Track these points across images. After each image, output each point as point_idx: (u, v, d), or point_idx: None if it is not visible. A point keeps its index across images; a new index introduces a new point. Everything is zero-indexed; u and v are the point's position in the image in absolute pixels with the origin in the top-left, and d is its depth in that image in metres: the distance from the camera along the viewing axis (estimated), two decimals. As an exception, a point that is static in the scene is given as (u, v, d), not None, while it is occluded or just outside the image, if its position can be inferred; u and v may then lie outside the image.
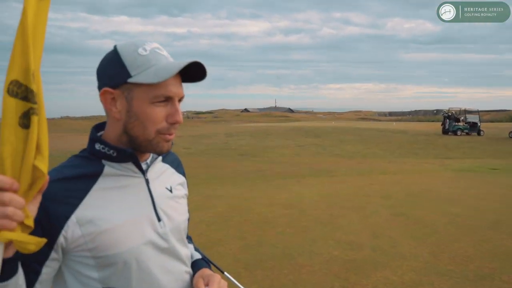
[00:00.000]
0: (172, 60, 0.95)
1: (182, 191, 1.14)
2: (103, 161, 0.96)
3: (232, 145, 21.17)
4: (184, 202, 1.14)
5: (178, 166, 1.18)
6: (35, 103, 0.69)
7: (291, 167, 12.40)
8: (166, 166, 1.13)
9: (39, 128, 0.70)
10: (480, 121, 29.79)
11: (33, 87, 0.69)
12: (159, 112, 0.93)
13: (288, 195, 7.59)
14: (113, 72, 0.93)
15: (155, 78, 0.89)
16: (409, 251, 4.55)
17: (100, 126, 1.04)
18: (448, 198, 7.24)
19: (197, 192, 7.63)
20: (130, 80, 0.91)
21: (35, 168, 0.70)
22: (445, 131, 29.43)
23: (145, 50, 0.93)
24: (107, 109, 0.95)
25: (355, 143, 22.07)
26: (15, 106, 0.68)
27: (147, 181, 1.01)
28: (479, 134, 28.49)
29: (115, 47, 0.95)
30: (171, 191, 1.08)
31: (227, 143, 22.27)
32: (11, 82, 0.68)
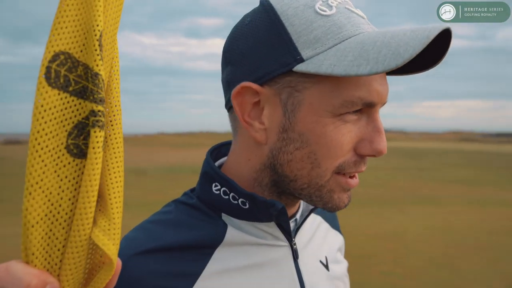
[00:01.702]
0: (376, 29, 0.51)
1: (342, 264, 0.70)
2: (224, 217, 0.56)
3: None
4: (346, 286, 0.69)
5: (333, 217, 0.73)
6: (101, 102, 0.34)
7: (389, 192, 11.35)
8: (318, 219, 0.69)
9: (108, 159, 0.36)
10: None
11: (100, 68, 0.34)
12: (348, 134, 0.50)
13: (389, 225, 6.76)
14: (261, 50, 0.50)
15: (366, 64, 0.44)
16: None
17: (222, 150, 0.63)
18: None
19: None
20: (299, 67, 0.48)
21: (94, 246, 0.35)
22: None
23: (329, 6, 0.49)
24: (241, 122, 0.53)
25: (460, 167, 19.73)
26: (60, 109, 0.33)
27: (294, 253, 0.58)
28: None
29: (265, 2, 0.52)
30: (327, 266, 0.64)
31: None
32: (55, 57, 0.32)
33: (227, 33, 0.57)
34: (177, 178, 11.45)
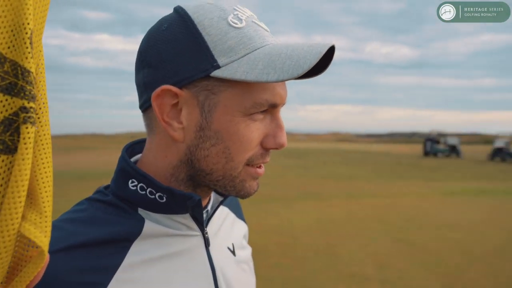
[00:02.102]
0: (278, 41, 0.59)
1: (246, 250, 0.77)
2: (140, 211, 0.59)
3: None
4: (251, 269, 0.76)
5: (238, 208, 0.81)
6: (33, 98, 0.35)
7: (277, 189, 12.02)
8: (226, 210, 0.75)
9: (38, 155, 0.37)
10: (460, 144, 30.73)
11: (31, 65, 0.35)
12: (256, 131, 0.57)
13: (278, 220, 7.17)
14: (181, 57, 0.55)
15: (274, 73, 0.52)
16: (420, 284, 4.19)
17: (135, 148, 0.66)
18: (445, 222, 7.01)
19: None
20: (216, 73, 0.53)
21: (24, 240, 0.36)
22: (426, 153, 30.02)
23: (240, 19, 0.56)
24: (160, 122, 0.57)
25: (339, 165, 21.98)
26: None
27: (206, 242, 0.64)
28: (458, 156, 29.16)
29: (180, 11, 0.57)
30: (234, 252, 0.70)
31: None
32: None
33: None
34: (56, 185, 10.26)
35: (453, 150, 29.84)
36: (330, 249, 5.36)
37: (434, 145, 30.37)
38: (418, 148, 34.52)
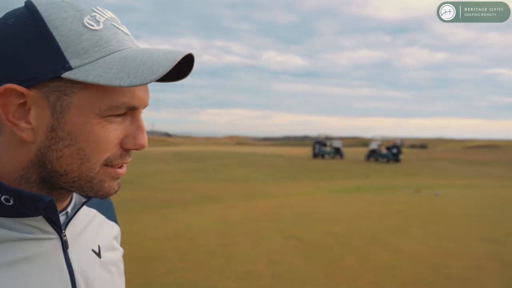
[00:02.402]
0: (141, 46, 0.58)
1: (116, 251, 0.75)
2: None
3: (106, 172, 19.23)
4: (119, 270, 0.74)
5: (108, 209, 0.78)
6: None
7: (175, 194, 11.84)
8: (93, 212, 0.73)
9: None
10: (343, 146, 34.28)
11: None
12: (114, 132, 0.56)
13: (174, 225, 7.08)
14: (28, 55, 0.51)
15: (127, 77, 0.51)
16: (306, 275, 4.56)
17: None
18: (329, 218, 7.73)
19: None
20: (67, 75, 0.51)
21: None
22: (315, 155, 32.68)
23: (97, 21, 0.54)
24: (5, 122, 0.54)
25: (237, 167, 22.53)
26: None
27: (64, 245, 0.61)
28: (342, 157, 32.42)
29: (31, 6, 0.53)
30: (99, 254, 0.69)
31: (100, 170, 20.12)
32: None
33: None
34: None
35: (337, 152, 33.15)
36: (225, 249, 5.50)
37: (322, 148, 33.34)
38: (309, 151, 37.37)
